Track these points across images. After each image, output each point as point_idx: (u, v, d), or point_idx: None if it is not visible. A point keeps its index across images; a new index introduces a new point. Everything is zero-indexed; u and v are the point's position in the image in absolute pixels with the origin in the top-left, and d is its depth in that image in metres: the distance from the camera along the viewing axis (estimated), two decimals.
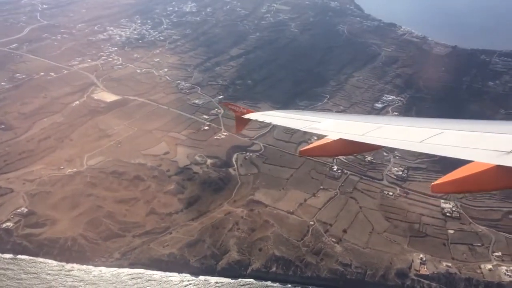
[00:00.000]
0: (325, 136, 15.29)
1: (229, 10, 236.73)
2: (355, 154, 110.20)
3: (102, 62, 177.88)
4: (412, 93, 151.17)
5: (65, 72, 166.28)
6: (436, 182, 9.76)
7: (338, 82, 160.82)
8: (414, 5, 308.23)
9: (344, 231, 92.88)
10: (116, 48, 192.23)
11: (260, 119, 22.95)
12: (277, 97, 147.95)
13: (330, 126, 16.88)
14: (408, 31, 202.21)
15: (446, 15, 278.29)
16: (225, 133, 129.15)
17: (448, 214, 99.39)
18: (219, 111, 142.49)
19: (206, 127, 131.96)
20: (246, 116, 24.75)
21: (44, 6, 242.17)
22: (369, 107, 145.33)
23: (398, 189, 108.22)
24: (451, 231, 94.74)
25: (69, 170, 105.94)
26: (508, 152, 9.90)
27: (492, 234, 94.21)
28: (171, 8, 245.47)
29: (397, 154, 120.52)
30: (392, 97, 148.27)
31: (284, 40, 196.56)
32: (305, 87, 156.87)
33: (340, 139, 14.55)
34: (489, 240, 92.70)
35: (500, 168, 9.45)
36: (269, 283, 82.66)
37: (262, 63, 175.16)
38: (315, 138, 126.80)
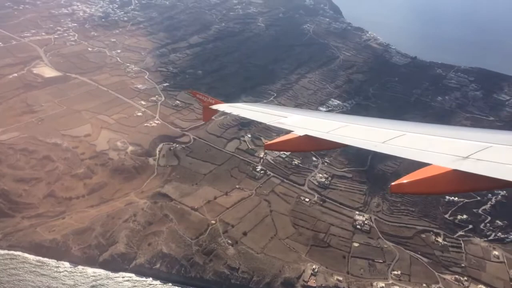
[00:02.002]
0: (291, 131, 15.59)
1: None
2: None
3: (56, 36, 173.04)
4: (359, 100, 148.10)
5: (14, 43, 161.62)
6: (395, 182, 9.91)
7: (289, 81, 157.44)
8: (393, 13, 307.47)
9: (244, 233, 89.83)
10: (76, 24, 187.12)
11: (228, 111, 22.89)
12: (223, 90, 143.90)
13: (297, 122, 17.25)
14: (373, 37, 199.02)
15: (425, 26, 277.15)
16: (157, 121, 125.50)
17: (358, 226, 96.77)
18: (159, 98, 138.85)
19: (140, 113, 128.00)
20: (214, 106, 24.55)
21: None
22: (313, 110, 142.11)
23: (316, 196, 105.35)
24: (356, 244, 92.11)
25: None
26: (464, 158, 10.53)
27: (397, 251, 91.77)
28: None
29: (326, 160, 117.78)
30: (338, 102, 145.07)
31: (247, 34, 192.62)
32: (255, 83, 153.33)
33: (306, 136, 14.93)
34: (393, 257, 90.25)
35: (456, 173, 9.93)
36: (150, 280, 79.52)
37: (218, 54, 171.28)
38: (249, 136, 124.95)
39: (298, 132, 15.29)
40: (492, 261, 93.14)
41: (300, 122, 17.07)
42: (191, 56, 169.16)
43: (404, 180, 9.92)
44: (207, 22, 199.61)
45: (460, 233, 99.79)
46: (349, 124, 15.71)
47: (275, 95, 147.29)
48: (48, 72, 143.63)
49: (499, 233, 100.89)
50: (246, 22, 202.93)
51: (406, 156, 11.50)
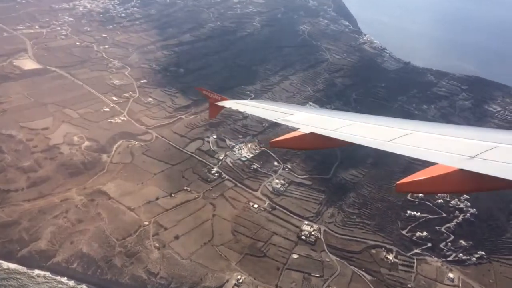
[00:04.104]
0: (297, 128, 15.63)
1: None
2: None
3: (49, 30, 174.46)
4: (338, 105, 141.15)
5: (5, 35, 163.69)
6: (401, 181, 9.78)
7: (270, 83, 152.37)
8: (415, 17, 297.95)
9: (176, 237, 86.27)
10: (72, 19, 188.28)
11: (234, 107, 22.96)
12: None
13: (303, 119, 17.35)
14: (370, 41, 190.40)
15: (448, 32, 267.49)
16: (123, 118, 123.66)
17: (303, 237, 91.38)
18: (133, 94, 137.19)
19: (107, 109, 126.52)
20: (220, 103, 24.70)
21: None
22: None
23: (267, 202, 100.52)
24: (295, 256, 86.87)
25: None
26: (471, 157, 10.41)
27: (339, 266, 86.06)
28: None
29: (288, 166, 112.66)
30: (316, 106, 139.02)
31: (240, 33, 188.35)
32: (234, 83, 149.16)
33: (312, 133, 14.93)
34: (332, 272, 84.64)
35: (463, 172, 9.82)
36: (64, 279, 77.09)
37: (206, 53, 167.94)
38: (214, 136, 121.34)
39: (304, 129, 15.29)
40: (445, 284, 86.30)
41: (307, 120, 17.13)
42: (178, 54, 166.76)
43: (410, 179, 9.77)
44: (202, 21, 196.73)
45: (416, 251, 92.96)
46: (356, 122, 15.80)
47: (253, 96, 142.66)
48: (29, 64, 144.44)
49: (461, 254, 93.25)
50: (242, 22, 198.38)
51: (413, 155, 11.34)
